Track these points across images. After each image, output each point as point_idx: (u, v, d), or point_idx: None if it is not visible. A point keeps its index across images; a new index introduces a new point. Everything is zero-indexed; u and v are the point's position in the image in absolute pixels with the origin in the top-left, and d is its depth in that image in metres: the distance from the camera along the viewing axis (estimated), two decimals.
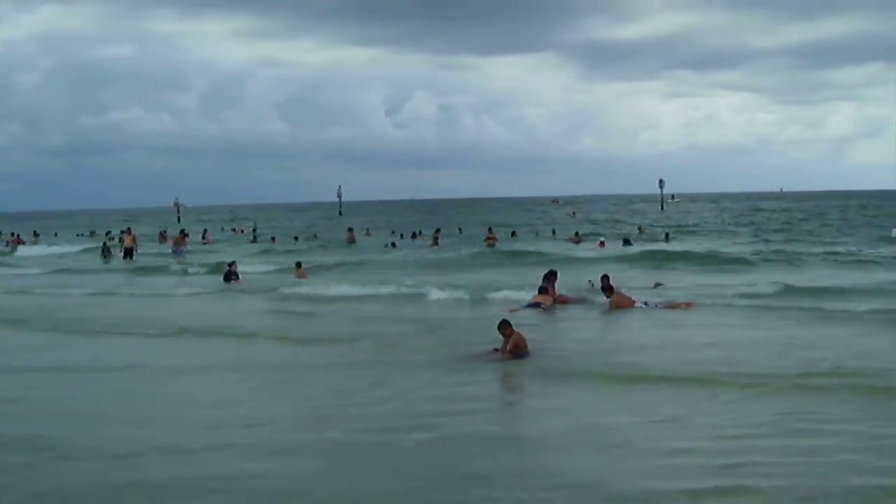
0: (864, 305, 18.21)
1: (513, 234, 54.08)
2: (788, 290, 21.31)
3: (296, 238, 57.00)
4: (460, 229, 60.81)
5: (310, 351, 15.28)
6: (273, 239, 56.33)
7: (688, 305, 19.48)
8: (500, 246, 43.14)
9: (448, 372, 12.90)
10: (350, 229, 55.64)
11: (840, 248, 35.89)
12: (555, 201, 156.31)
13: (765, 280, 23.84)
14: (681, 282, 24.19)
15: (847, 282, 23.08)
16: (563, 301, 20.40)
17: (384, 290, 23.31)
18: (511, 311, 18.43)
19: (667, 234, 50.85)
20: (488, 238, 46.60)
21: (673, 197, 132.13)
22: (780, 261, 30.82)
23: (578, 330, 17.35)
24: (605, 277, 20.22)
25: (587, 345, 15.47)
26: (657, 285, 23.07)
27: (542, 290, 20.24)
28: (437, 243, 46.54)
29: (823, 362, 12.55)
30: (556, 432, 9.58)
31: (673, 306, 19.37)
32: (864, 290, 21.27)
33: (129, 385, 12.98)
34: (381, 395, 11.49)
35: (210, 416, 10.76)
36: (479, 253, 38.13)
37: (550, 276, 20.79)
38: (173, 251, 44.39)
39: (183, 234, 50.43)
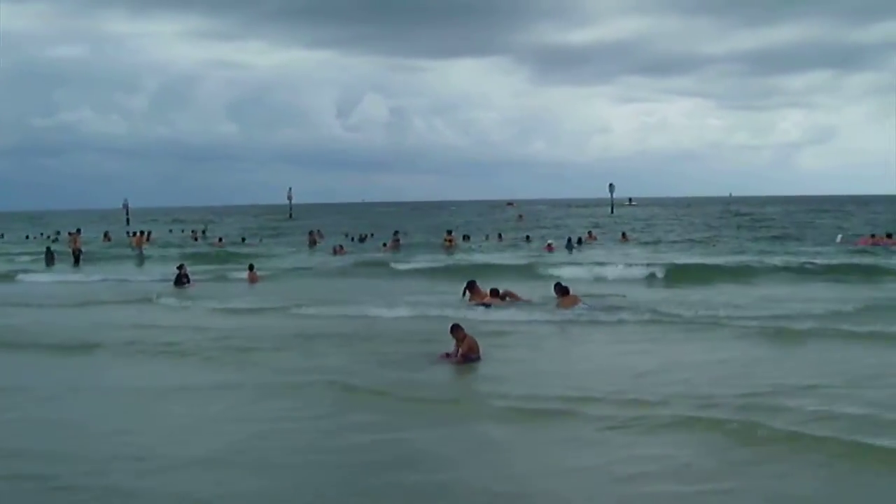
0: (806, 324, 17.08)
1: (465, 237, 54.28)
2: (731, 304, 20.77)
3: (243, 239, 57.73)
4: (405, 233, 60.35)
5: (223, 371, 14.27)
6: (220, 240, 56.45)
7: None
8: (451, 254, 42.68)
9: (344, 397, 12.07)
10: (311, 232, 56.00)
11: (788, 257, 35.74)
12: (510, 203, 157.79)
13: (713, 293, 23.89)
14: (625, 292, 23.77)
15: (787, 293, 23.01)
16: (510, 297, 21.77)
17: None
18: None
19: (624, 234, 51.33)
20: (447, 241, 46.47)
21: (630, 200, 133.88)
22: (730, 270, 30.48)
23: (519, 345, 16.21)
24: (557, 284, 21.44)
25: (514, 366, 14.15)
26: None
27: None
28: (397, 246, 46.01)
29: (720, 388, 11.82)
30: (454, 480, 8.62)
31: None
32: (809, 301, 20.85)
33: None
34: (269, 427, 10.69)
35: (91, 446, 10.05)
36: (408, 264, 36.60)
37: (472, 285, 22.11)
38: (138, 251, 46.67)
39: (142, 234, 53.32)
